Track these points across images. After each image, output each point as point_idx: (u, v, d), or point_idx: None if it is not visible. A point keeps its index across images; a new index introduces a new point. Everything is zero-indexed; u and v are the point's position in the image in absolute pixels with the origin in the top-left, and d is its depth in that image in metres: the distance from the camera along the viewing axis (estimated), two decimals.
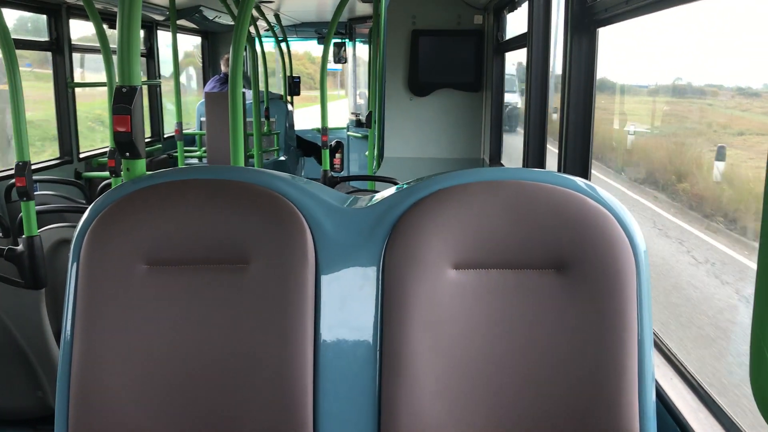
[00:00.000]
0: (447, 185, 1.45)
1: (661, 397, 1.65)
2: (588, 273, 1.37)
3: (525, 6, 3.76)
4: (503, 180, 1.44)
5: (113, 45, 4.18)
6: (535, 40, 3.34)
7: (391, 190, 1.54)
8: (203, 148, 7.10)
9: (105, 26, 4.00)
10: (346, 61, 9.48)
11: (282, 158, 7.72)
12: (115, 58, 3.99)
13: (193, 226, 1.45)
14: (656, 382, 1.59)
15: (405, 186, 1.52)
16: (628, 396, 1.34)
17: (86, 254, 1.44)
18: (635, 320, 1.36)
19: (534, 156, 3.34)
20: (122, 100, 1.58)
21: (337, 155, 8.92)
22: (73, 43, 5.30)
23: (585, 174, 2.47)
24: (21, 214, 2.86)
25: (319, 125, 8.96)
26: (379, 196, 1.53)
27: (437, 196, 1.44)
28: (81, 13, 5.31)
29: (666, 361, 1.81)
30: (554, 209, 1.40)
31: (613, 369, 1.35)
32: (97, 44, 3.92)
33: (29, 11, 4.99)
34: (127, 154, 1.62)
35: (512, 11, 4.53)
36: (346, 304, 1.43)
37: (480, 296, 1.40)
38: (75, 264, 1.45)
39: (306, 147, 9.12)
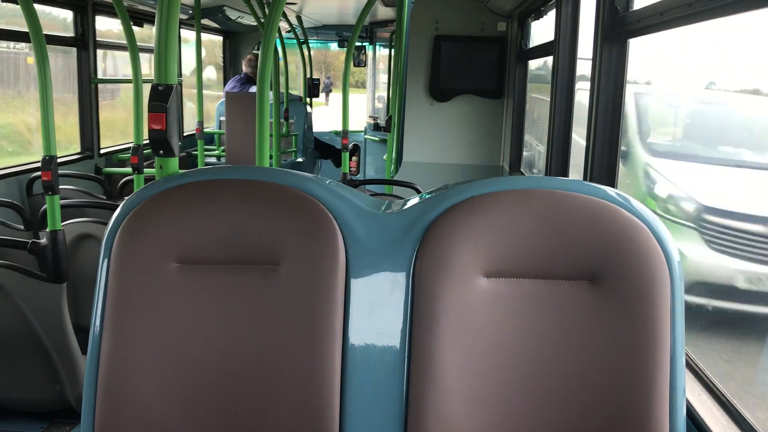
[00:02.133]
0: (478, 193, 1.44)
1: (690, 414, 1.63)
2: (621, 285, 1.36)
3: (551, 14, 3.75)
4: (535, 189, 1.43)
5: (139, 42, 4.21)
6: (562, 48, 3.33)
7: (420, 197, 1.54)
8: (222, 147, 7.14)
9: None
10: (365, 65, 9.50)
11: (299, 160, 7.75)
12: (142, 55, 3.99)
13: (224, 226, 1.45)
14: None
15: (427, 195, 1.51)
16: (658, 410, 1.33)
17: (117, 251, 1.45)
18: (668, 333, 1.34)
19: (557, 165, 3.32)
20: (158, 98, 1.59)
21: (354, 158, 8.94)
22: (98, 39, 5.35)
23: (612, 184, 2.46)
24: (43, 207, 2.88)
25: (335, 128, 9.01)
26: (410, 203, 1.53)
27: (469, 204, 1.43)
28: (108, 10, 5.35)
29: (694, 377, 1.79)
30: (587, 219, 1.39)
31: (644, 383, 1.33)
32: (123, 41, 3.95)
33: (57, 7, 5.04)
34: (161, 151, 1.63)
35: (537, 19, 4.52)
36: (375, 309, 1.43)
37: (511, 305, 1.39)
38: (106, 260, 1.45)
39: (323, 149, 9.14)
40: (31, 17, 2.71)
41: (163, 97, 1.59)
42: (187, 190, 1.49)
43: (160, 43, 1.59)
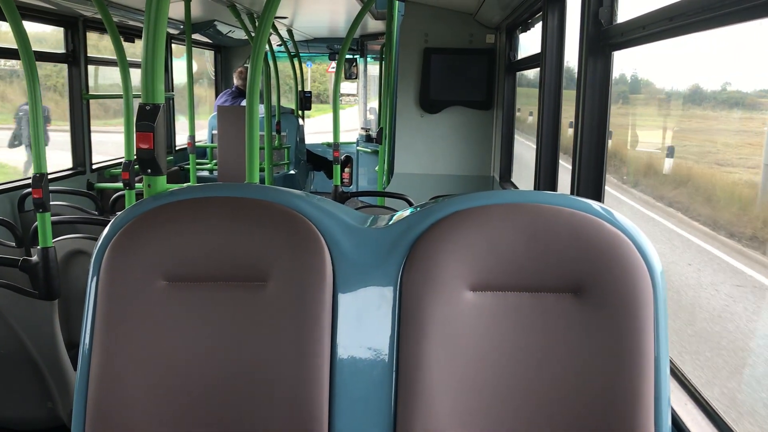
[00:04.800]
0: (464, 207, 1.46)
1: (676, 423, 1.64)
2: (605, 297, 1.38)
3: (538, 26, 3.79)
4: (520, 203, 1.45)
5: (129, 58, 4.23)
6: (549, 60, 3.36)
7: (407, 212, 1.56)
8: (214, 161, 7.14)
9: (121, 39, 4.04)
10: (357, 77, 9.54)
11: (292, 172, 7.76)
12: (131, 70, 4.01)
13: (212, 244, 1.46)
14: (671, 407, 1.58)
15: (417, 209, 1.53)
16: (643, 421, 1.34)
17: (106, 268, 1.46)
18: (652, 344, 1.36)
19: (546, 177, 3.35)
20: (146, 117, 1.60)
21: (346, 170, 8.96)
22: (89, 55, 5.37)
23: (598, 197, 2.48)
24: (35, 224, 2.88)
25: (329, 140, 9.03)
26: (396, 217, 1.54)
27: (454, 218, 1.45)
28: (98, 27, 5.37)
29: (680, 386, 1.81)
30: (571, 233, 1.41)
31: (629, 393, 1.35)
32: (113, 56, 3.97)
33: (47, 24, 5.06)
34: (149, 170, 1.64)
35: (525, 31, 4.56)
36: (363, 324, 1.44)
37: (497, 318, 1.41)
38: (95, 278, 1.46)
39: (315, 161, 9.17)
40: (20, 34, 2.73)
41: (151, 116, 1.60)
42: (175, 208, 1.50)
43: (147, 63, 1.61)
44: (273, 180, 6.74)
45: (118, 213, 1.54)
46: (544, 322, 1.40)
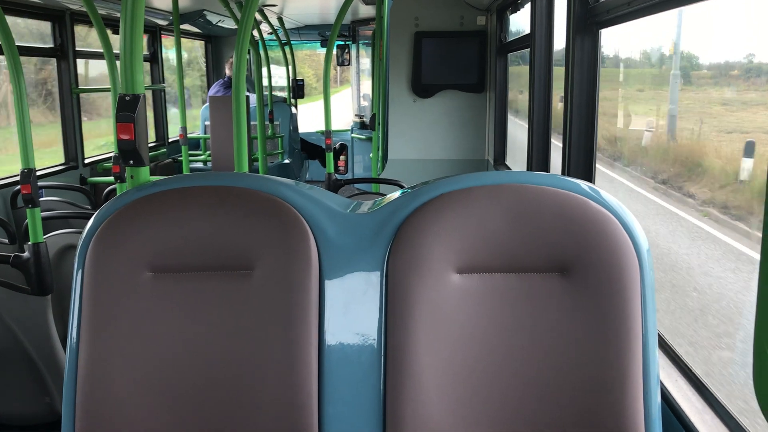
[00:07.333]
0: (450, 189, 1.45)
1: (666, 399, 1.64)
2: (592, 276, 1.37)
3: (528, 7, 3.76)
4: (506, 184, 1.44)
5: (116, 50, 4.20)
6: (538, 40, 3.34)
7: (396, 194, 1.55)
8: (208, 152, 7.12)
9: (108, 31, 4.01)
10: (349, 64, 9.49)
11: (286, 161, 7.74)
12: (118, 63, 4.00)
13: (197, 233, 1.45)
14: (661, 383, 1.58)
15: (408, 190, 1.52)
16: (633, 398, 1.34)
17: (91, 261, 1.45)
18: (639, 322, 1.36)
19: (538, 157, 3.34)
20: (125, 108, 1.59)
21: (342, 157, 8.93)
22: (77, 49, 5.33)
23: (589, 176, 2.47)
24: (27, 220, 2.87)
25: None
26: (382, 201, 1.53)
27: (440, 201, 1.44)
28: (85, 20, 5.33)
29: (671, 362, 1.81)
30: (557, 212, 1.40)
31: (618, 371, 1.34)
32: (101, 49, 3.94)
33: (34, 18, 5.01)
34: (131, 161, 1.63)
35: (515, 12, 4.53)
36: (350, 309, 1.44)
37: (484, 300, 1.40)
38: (80, 271, 1.46)
39: (310, 150, 9.14)
40: (3, 29, 2.70)
41: (131, 106, 1.59)
42: (159, 198, 1.49)
43: (125, 53, 1.59)
44: (267, 170, 6.72)
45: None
46: (531, 302, 1.40)
